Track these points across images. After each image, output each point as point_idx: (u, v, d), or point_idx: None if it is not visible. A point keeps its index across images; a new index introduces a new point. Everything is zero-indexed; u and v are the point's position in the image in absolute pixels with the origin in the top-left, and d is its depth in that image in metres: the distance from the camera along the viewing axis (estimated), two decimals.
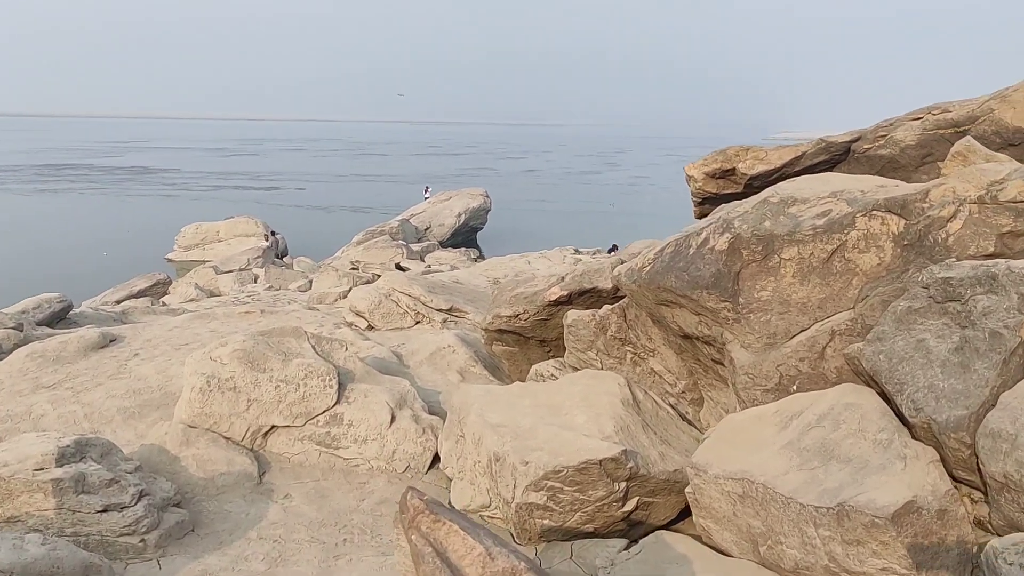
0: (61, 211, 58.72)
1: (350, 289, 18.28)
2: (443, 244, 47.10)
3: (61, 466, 5.99)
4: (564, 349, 8.85)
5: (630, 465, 5.74)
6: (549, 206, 69.18)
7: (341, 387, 7.73)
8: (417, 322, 10.75)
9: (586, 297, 8.28)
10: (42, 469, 5.92)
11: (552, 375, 8.15)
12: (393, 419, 7.52)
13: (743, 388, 5.81)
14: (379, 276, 34.89)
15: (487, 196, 53.55)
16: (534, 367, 8.35)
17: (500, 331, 8.77)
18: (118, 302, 29.33)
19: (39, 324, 12.65)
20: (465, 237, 51.06)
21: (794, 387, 5.64)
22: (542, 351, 8.93)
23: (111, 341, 10.25)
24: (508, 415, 6.57)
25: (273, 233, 41.19)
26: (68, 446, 6.14)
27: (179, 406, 7.54)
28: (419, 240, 46.36)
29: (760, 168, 7.74)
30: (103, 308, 14.89)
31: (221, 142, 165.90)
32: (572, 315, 7.79)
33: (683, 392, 7.34)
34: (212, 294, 31.26)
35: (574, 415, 6.43)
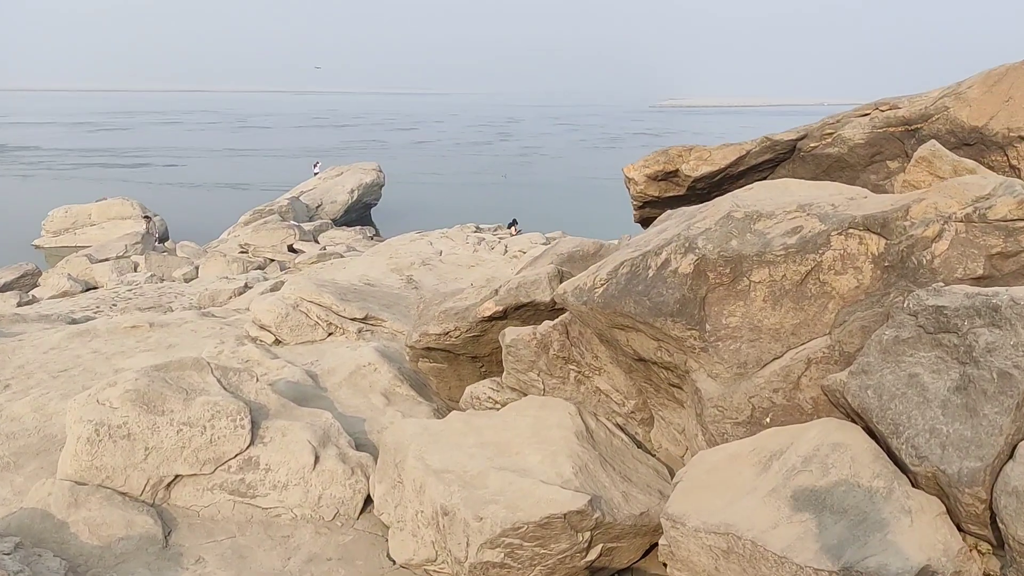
0: None
1: (245, 286, 17.00)
2: (336, 222, 45.41)
3: None
4: (497, 363, 8.21)
5: (596, 515, 5.18)
6: (442, 179, 68.20)
7: (254, 426, 6.81)
8: (330, 333, 9.83)
9: (522, 311, 7.64)
10: None
11: (489, 397, 7.48)
12: (317, 460, 6.68)
13: (711, 421, 5.33)
14: (271, 260, 33.29)
15: (380, 170, 51.98)
16: (469, 389, 7.65)
17: (428, 348, 8.02)
18: None
19: None
20: (359, 214, 49.46)
21: (767, 419, 5.20)
22: (473, 367, 8.26)
23: None
24: (452, 458, 5.87)
25: (148, 217, 38.41)
26: None
27: (63, 460, 6.44)
28: (311, 219, 44.53)
29: (704, 169, 7.27)
30: None
31: (87, 116, 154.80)
32: (511, 334, 7.13)
33: (632, 412, 6.84)
34: (88, 285, 28.95)
35: (526, 455, 5.81)
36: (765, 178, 7.55)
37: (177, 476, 6.54)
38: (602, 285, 5.95)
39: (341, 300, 9.99)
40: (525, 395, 7.32)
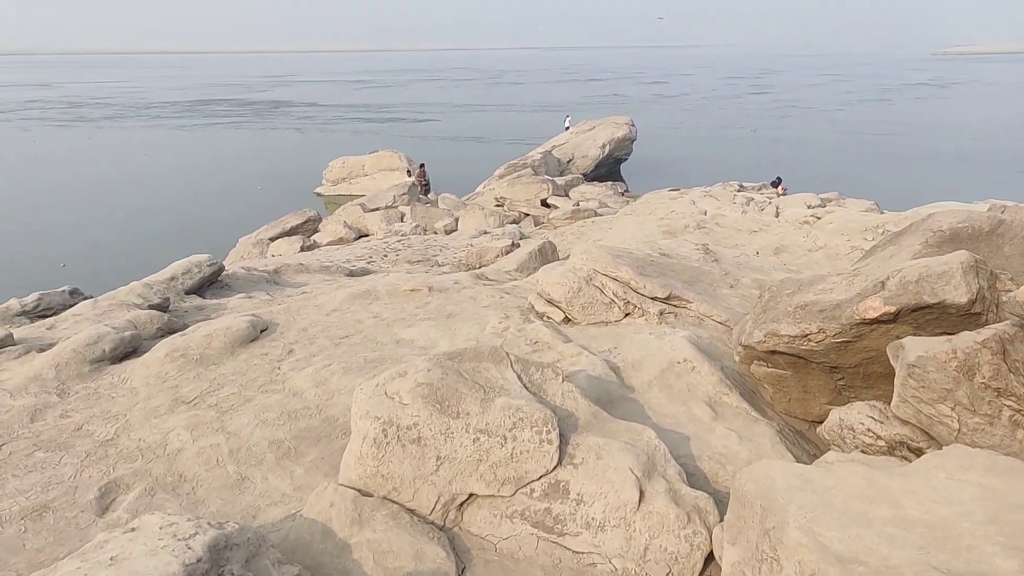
0: (216, 145, 59.89)
1: (512, 244, 15.96)
2: (587, 177, 44.25)
3: None
4: (863, 378, 6.08)
5: None
6: (688, 133, 64.74)
7: (563, 440, 5.33)
8: (627, 314, 8.17)
9: (920, 314, 5.42)
10: None
11: (868, 430, 5.41)
12: (641, 495, 5.05)
13: None
14: (526, 214, 32.75)
15: (632, 125, 49.90)
16: (837, 415, 5.63)
17: (771, 352, 6.07)
18: (272, 239, 28.75)
19: (188, 292, 11.04)
20: (609, 169, 47.93)
21: None
22: (827, 378, 6.19)
23: (262, 331, 8.30)
24: (859, 538, 3.94)
25: (411, 172, 39.42)
26: (200, 560, 4.06)
27: (346, 462, 5.37)
28: (561, 173, 43.78)
29: None
30: (255, 269, 13.20)
31: (360, 74, 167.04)
32: (916, 348, 4.98)
33: None
34: (360, 233, 30.22)
35: (988, 554, 3.72)
36: None
37: (471, 495, 5.24)
38: None
39: (640, 275, 8.27)
40: (926, 433, 5.16)
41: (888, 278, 5.56)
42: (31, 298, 8.92)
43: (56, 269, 27.98)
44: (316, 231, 30.50)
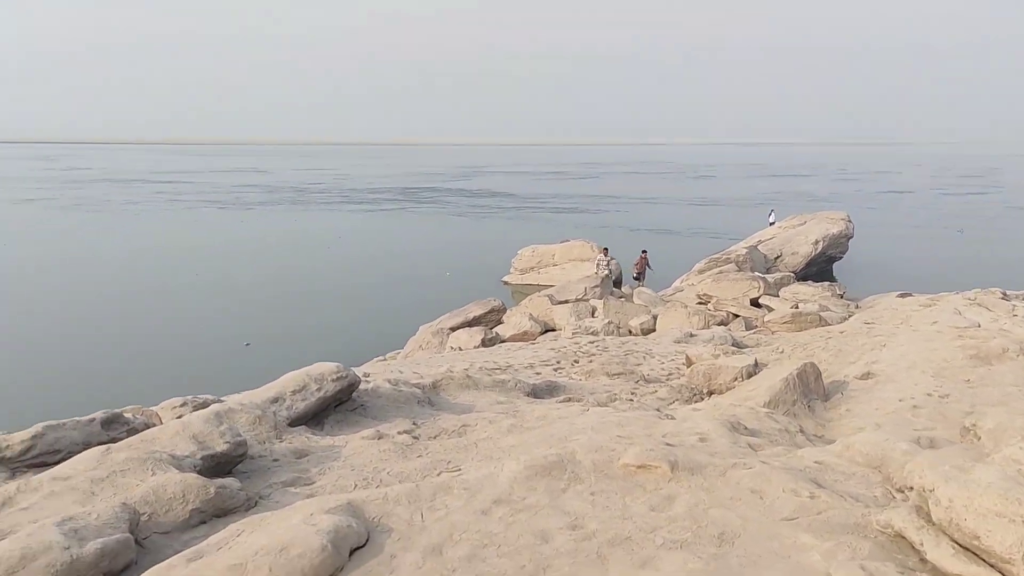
0: (408, 231, 59.66)
1: (755, 363, 11.12)
2: (796, 275, 38.09)
3: None
4: None
5: None
6: (896, 232, 56.30)
7: None
8: None
9: None
10: None
11: None
12: None
13: None
14: (735, 315, 27.37)
15: (849, 221, 43.27)
16: None
17: None
18: (452, 329, 25.72)
19: (297, 421, 7.30)
20: (820, 268, 41.35)
21: None
22: None
23: (354, 551, 4.17)
24: None
25: (599, 261, 34.99)
26: None
27: None
28: (768, 270, 38.00)
29: None
30: (406, 382, 9.35)
31: (551, 166, 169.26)
32: None
33: None
34: (547, 327, 26.47)
35: None
36: None
37: None
38: None
39: None
40: None
41: None
42: (21, 437, 5.25)
43: (240, 348, 26.45)
44: (499, 322, 27.11)
